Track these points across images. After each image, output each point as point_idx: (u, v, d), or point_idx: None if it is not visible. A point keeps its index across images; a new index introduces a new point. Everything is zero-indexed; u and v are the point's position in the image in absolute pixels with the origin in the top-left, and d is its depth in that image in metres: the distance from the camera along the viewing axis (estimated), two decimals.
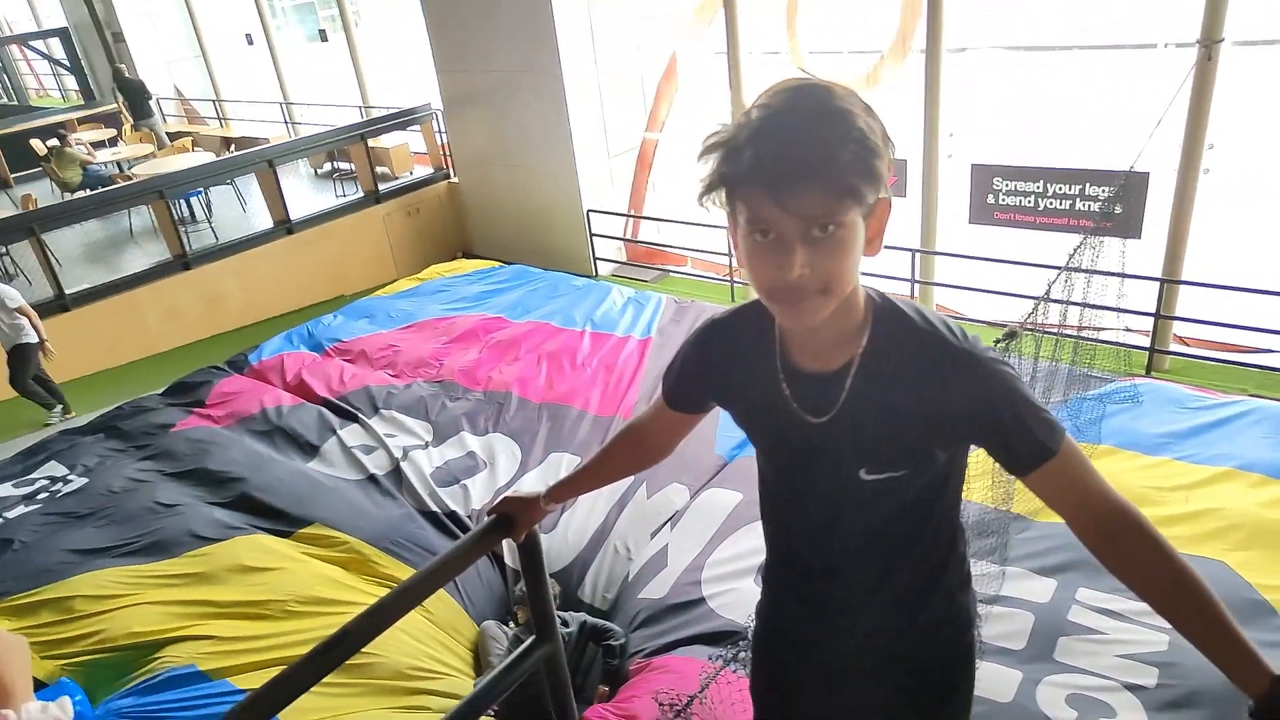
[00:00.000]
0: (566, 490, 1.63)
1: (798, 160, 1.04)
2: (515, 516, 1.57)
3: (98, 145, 10.97)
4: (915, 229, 6.37)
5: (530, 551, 1.54)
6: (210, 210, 8.90)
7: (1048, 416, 1.20)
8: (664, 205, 8.57)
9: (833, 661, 1.47)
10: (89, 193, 8.84)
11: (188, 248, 7.39)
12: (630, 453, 1.61)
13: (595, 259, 7.83)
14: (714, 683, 2.80)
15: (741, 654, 3.02)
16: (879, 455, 1.24)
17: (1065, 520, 1.25)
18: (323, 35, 13.00)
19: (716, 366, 1.37)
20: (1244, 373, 5.04)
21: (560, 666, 1.53)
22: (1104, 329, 5.05)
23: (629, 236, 8.24)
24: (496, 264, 7.63)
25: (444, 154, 8.96)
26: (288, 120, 11.68)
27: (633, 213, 8.30)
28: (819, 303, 1.12)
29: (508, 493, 1.60)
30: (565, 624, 3.25)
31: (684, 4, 7.76)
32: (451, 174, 8.93)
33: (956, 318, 6.45)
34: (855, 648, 1.43)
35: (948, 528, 1.38)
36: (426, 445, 4.98)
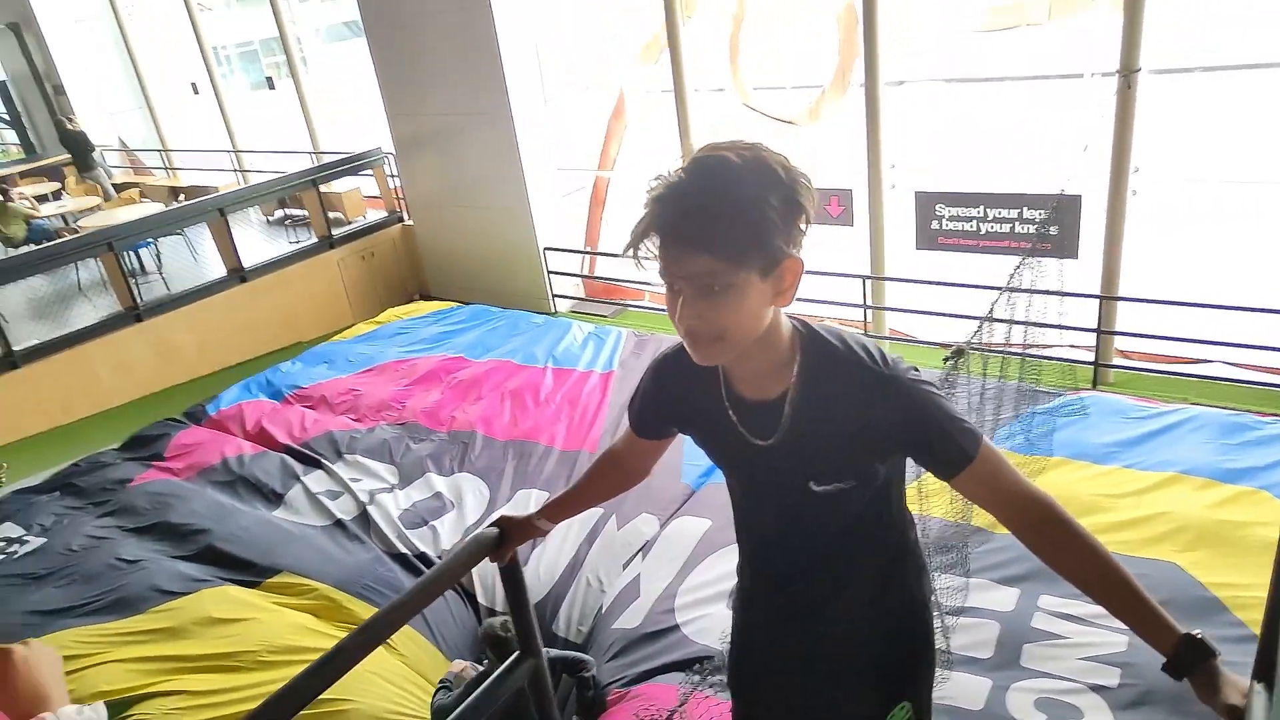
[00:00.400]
0: (558, 510, 1.73)
1: (686, 229, 1.19)
2: (511, 536, 1.65)
3: (41, 199, 10.78)
4: (865, 256, 6.56)
5: (512, 571, 1.60)
6: (160, 261, 8.79)
7: (966, 426, 1.33)
8: (619, 241, 8.71)
9: (804, 655, 1.57)
10: (34, 247, 8.68)
11: (139, 299, 7.30)
12: (612, 475, 1.72)
13: (553, 296, 7.90)
14: (692, 703, 2.84)
15: (717, 675, 3.08)
16: (824, 469, 1.37)
17: (995, 517, 1.37)
18: (270, 82, 13.00)
19: (671, 396, 1.49)
20: (1184, 382, 5.27)
21: (544, 680, 1.58)
22: (1049, 346, 5.26)
23: (586, 273, 8.34)
24: (454, 305, 7.67)
25: (397, 197, 8.99)
26: (237, 168, 11.62)
27: (589, 249, 8.41)
28: (717, 348, 1.26)
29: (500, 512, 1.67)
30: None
31: (629, 44, 7.96)
32: (405, 217, 8.96)
33: (907, 340, 6.65)
34: (823, 642, 1.54)
35: (898, 524, 1.51)
36: (392, 488, 4.97)
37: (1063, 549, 1.28)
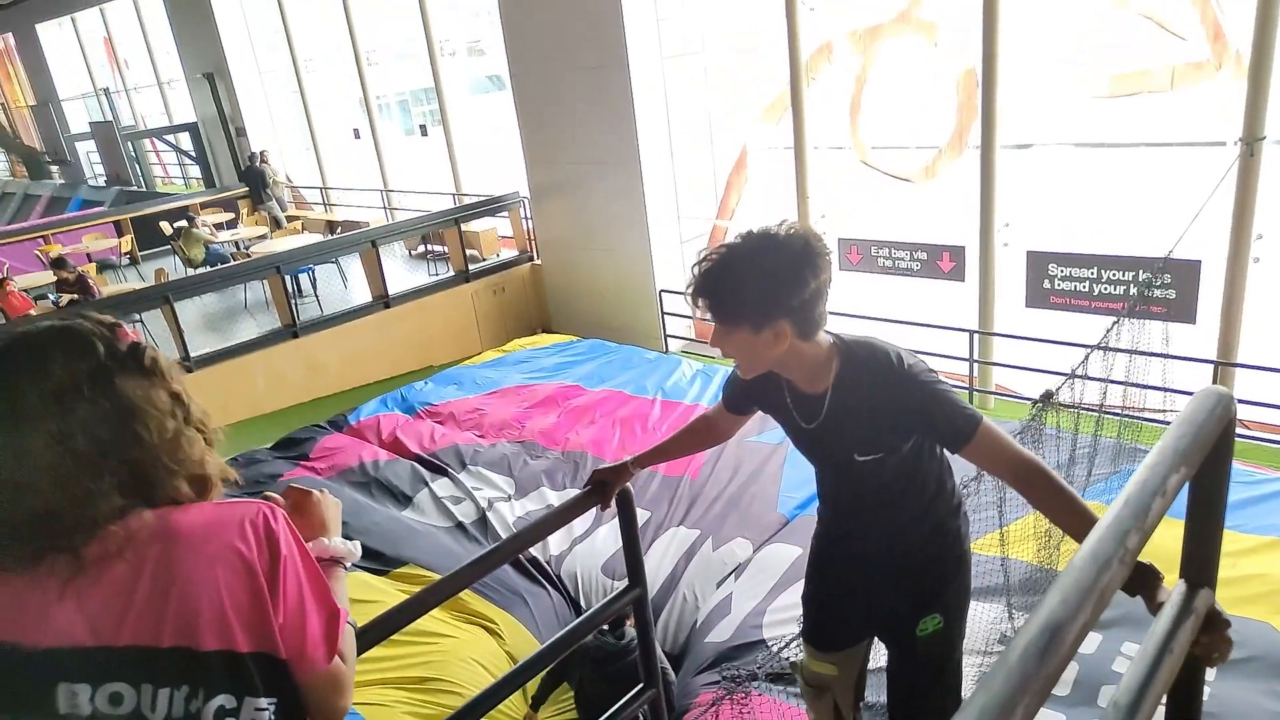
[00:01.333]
0: (650, 459, 2.21)
1: (702, 296, 1.73)
2: (609, 480, 2.06)
3: (219, 227, 12.08)
4: (974, 311, 6.67)
5: (624, 505, 1.98)
6: (315, 286, 9.72)
7: (966, 411, 1.75)
8: None
9: (859, 569, 2.08)
10: (211, 268, 9.78)
11: (297, 318, 8.13)
12: (703, 434, 2.23)
13: (666, 335, 8.31)
14: (768, 706, 3.07)
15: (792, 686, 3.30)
16: (861, 445, 1.85)
17: (1001, 479, 1.83)
18: (423, 130, 14.15)
19: (754, 385, 1.97)
20: None
21: (646, 607, 1.89)
22: (1158, 410, 5.24)
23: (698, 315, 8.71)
24: (574, 338, 8.17)
25: (529, 238, 9.66)
26: (386, 206, 12.66)
27: None
28: (741, 368, 1.84)
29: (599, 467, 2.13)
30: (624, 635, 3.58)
31: (755, 102, 8.38)
32: (535, 256, 9.60)
33: (1010, 395, 6.68)
34: (872, 554, 2.04)
35: (932, 481, 1.96)
36: (509, 498, 5.41)
37: (1050, 497, 1.67)
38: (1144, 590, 1.40)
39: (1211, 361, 5.49)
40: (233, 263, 9.59)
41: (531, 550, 4.82)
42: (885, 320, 6.55)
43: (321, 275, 10.13)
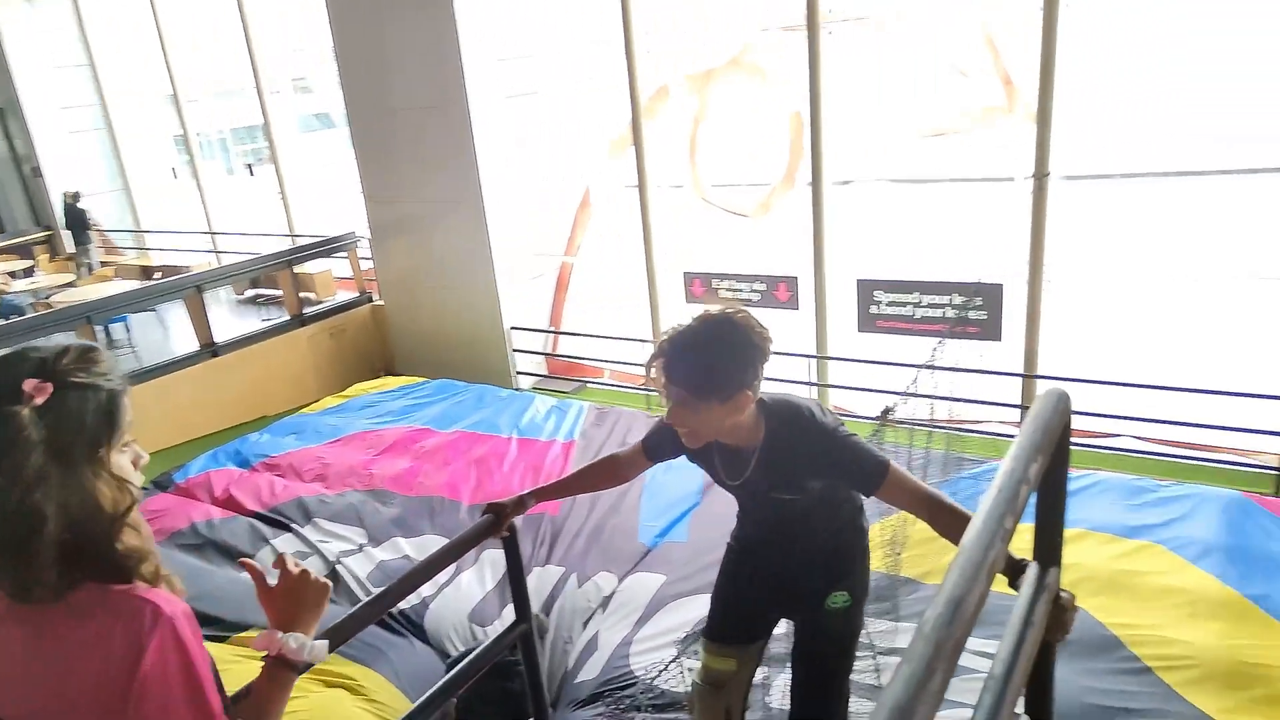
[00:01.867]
0: (550, 493, 2.34)
1: (672, 371, 1.97)
2: (503, 509, 2.11)
3: (11, 275, 10.97)
4: (811, 337, 7.05)
5: (512, 545, 1.96)
6: (130, 335, 9.00)
7: (876, 459, 2.05)
8: (581, 322, 9.13)
9: (775, 563, 2.37)
10: (3, 322, 8.84)
11: None
12: (608, 476, 2.42)
13: (516, 373, 8.25)
14: None
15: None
16: (780, 490, 2.15)
17: (911, 514, 2.08)
18: (250, 169, 13.47)
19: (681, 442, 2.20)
20: (1096, 454, 5.74)
21: (534, 643, 1.87)
22: (977, 421, 5.72)
23: (550, 351, 8.72)
24: (421, 380, 7.96)
25: (368, 278, 9.37)
26: (214, 249, 11.93)
27: (553, 329, 8.82)
28: (690, 438, 2.09)
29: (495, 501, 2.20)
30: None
31: (598, 140, 8.56)
32: (375, 297, 9.31)
33: (847, 415, 7.09)
34: (789, 557, 2.33)
35: (846, 509, 2.31)
36: (361, 548, 5.16)
37: (955, 522, 1.93)
38: (1014, 581, 1.54)
39: (1019, 375, 6.05)
40: (34, 314, 8.72)
41: None
42: None
43: (138, 324, 9.40)
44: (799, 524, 2.24)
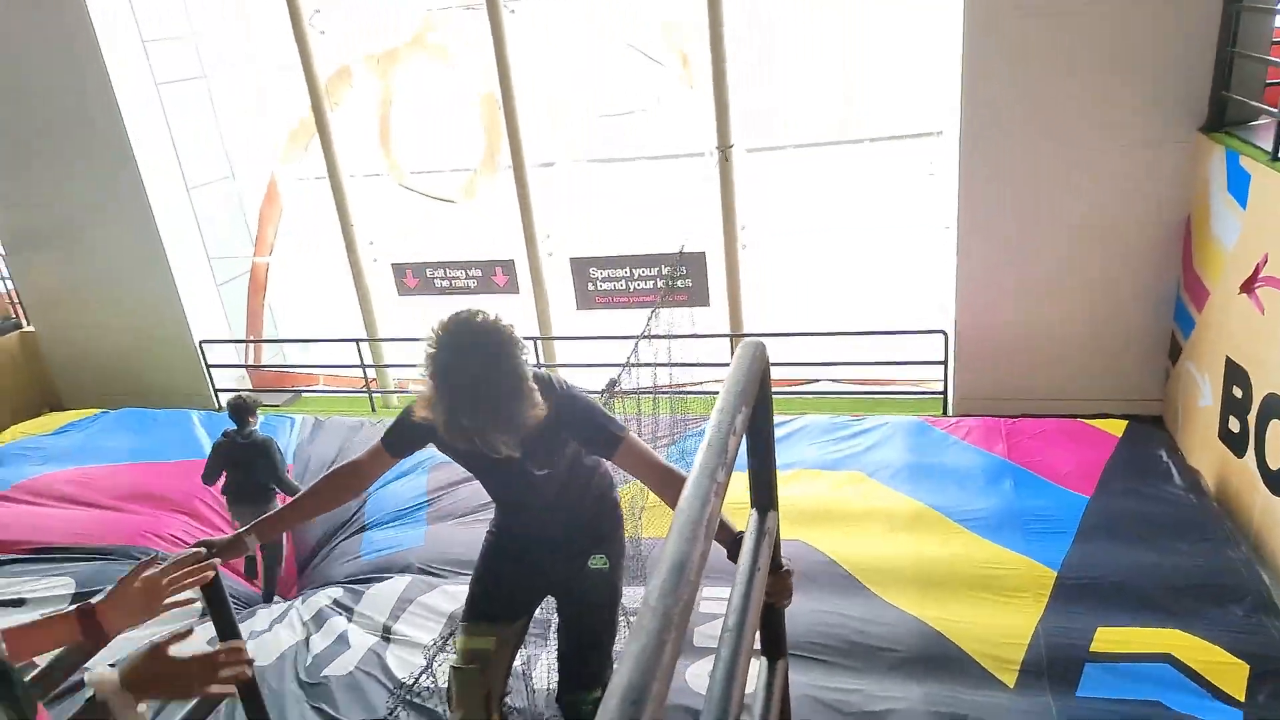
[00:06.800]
0: (271, 527, 2.16)
1: (471, 425, 1.96)
2: (218, 553, 1.81)
3: None
4: (534, 319, 7.04)
5: (216, 591, 1.69)
6: None
7: (614, 428, 2.11)
8: (286, 327, 8.43)
9: (536, 539, 2.40)
10: None
11: None
12: (343, 487, 2.29)
13: (216, 391, 7.43)
14: None
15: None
16: (537, 462, 2.14)
17: (643, 483, 2.14)
18: None
19: (426, 429, 2.09)
20: (802, 400, 6.31)
21: (253, 686, 1.65)
22: (697, 383, 6.03)
23: (251, 363, 7.95)
24: (98, 411, 6.92)
25: (11, 301, 7.95)
26: None
27: (252, 338, 8.05)
28: (516, 445, 2.02)
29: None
30: None
31: (277, 129, 7.87)
32: (24, 322, 7.94)
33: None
34: (549, 531, 2.37)
35: (599, 483, 2.42)
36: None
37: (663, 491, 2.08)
38: (733, 553, 1.62)
39: (727, 335, 6.47)
40: None
41: None
42: None
43: None
44: (558, 496, 2.26)
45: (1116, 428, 4.85)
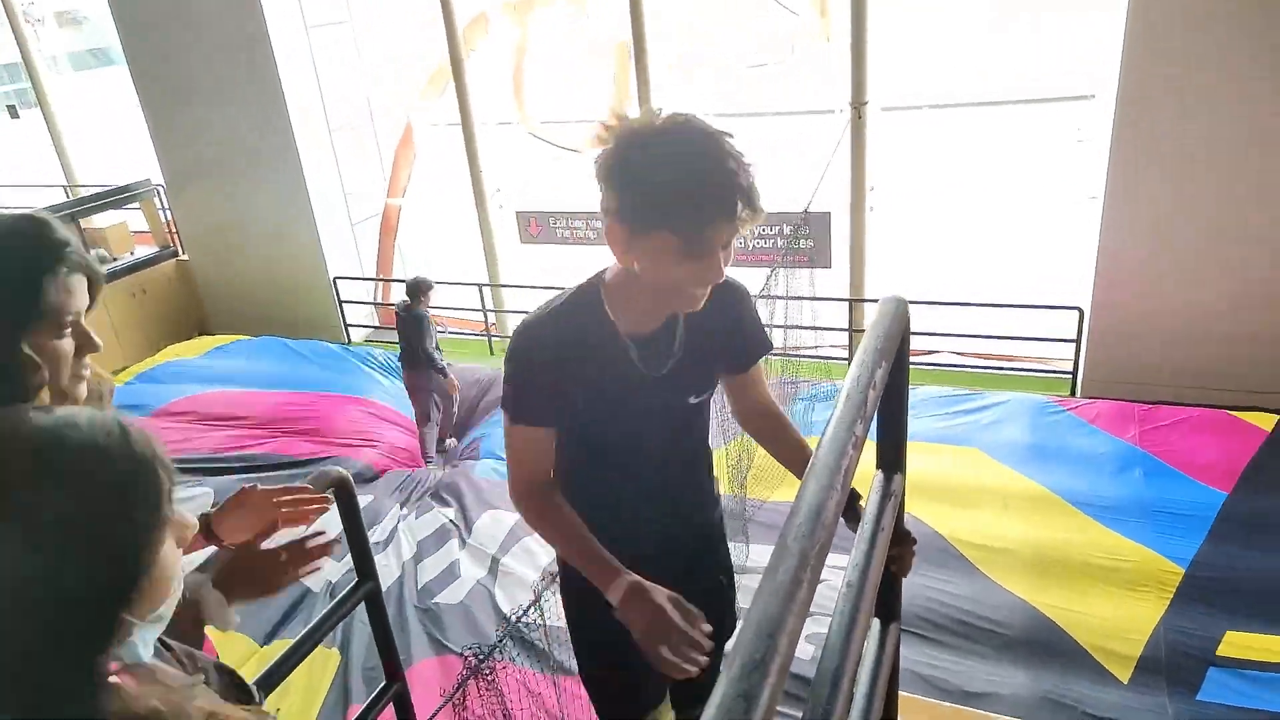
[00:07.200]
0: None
1: (746, 195, 1.34)
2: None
3: None
4: None
5: (345, 495, 1.58)
6: None
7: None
8: (414, 268, 8.75)
9: (689, 550, 1.64)
10: None
11: None
12: (560, 503, 1.47)
13: (346, 325, 7.82)
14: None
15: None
16: (699, 384, 1.49)
17: (758, 399, 1.61)
18: (12, 111, 11.87)
19: (573, 369, 1.39)
20: (919, 370, 6.12)
21: (381, 602, 1.75)
22: (811, 347, 5.94)
23: (380, 301, 8.32)
24: (240, 338, 7.41)
25: (170, 231, 8.55)
26: None
27: (382, 277, 8.40)
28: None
29: None
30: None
31: (416, 75, 8.10)
32: (180, 251, 8.53)
33: None
34: (699, 537, 1.67)
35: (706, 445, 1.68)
36: None
37: (777, 434, 1.61)
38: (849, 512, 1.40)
39: (847, 300, 6.32)
40: None
41: None
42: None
43: None
44: (697, 463, 1.61)
45: (1266, 421, 4.51)
